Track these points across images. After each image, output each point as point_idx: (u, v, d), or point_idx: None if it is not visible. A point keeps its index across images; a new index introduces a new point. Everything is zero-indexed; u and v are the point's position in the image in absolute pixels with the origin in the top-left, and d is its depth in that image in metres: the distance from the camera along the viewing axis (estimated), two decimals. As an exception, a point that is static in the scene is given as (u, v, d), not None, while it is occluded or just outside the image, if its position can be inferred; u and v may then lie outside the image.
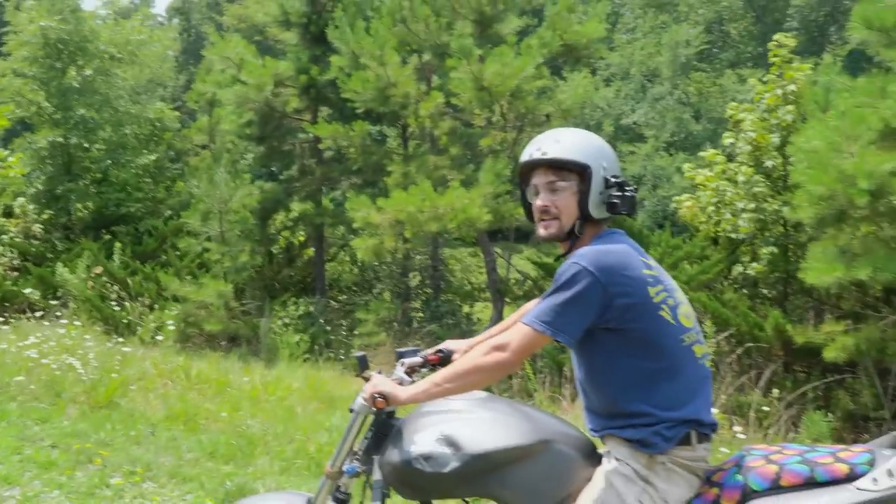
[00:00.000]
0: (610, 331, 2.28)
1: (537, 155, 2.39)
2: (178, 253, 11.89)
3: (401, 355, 2.79)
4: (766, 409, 6.40)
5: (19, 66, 14.15)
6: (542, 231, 2.43)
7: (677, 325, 2.31)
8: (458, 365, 2.35)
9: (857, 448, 2.26)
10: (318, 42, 12.22)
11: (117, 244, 11.88)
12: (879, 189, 5.99)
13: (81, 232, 13.57)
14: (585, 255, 2.26)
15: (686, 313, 2.37)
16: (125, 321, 9.99)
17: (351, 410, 2.60)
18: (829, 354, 6.38)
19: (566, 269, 2.26)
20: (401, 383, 2.63)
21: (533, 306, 2.88)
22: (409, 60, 11.09)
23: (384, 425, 2.58)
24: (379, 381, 2.45)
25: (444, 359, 2.90)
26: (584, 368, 2.42)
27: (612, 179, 2.38)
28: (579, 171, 2.37)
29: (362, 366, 2.66)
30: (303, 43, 12.38)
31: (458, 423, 2.43)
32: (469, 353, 2.42)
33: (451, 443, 2.37)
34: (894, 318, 6.62)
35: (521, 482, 2.35)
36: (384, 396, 2.38)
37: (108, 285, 10.88)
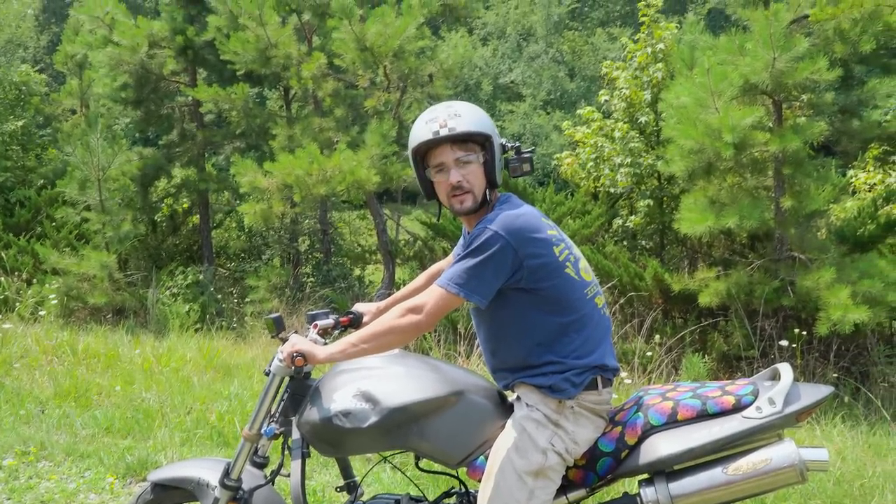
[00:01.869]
0: (521, 290, 2.39)
1: (444, 132, 2.39)
2: (54, 224, 11.32)
3: (313, 318, 2.82)
4: (648, 354, 6.79)
5: None
6: (457, 206, 2.47)
7: (580, 279, 2.46)
8: (375, 326, 2.40)
9: (742, 381, 2.51)
10: (194, 1, 11.79)
11: (-15, 216, 11.20)
12: (742, 142, 6.41)
13: (-56, 204, 12.68)
14: (497, 219, 2.35)
15: (585, 268, 2.52)
16: (1, 297, 9.49)
17: (267, 373, 2.63)
18: (704, 300, 6.81)
19: (479, 233, 2.34)
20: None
21: (443, 267, 3.01)
22: (289, 20, 10.87)
23: (300, 386, 2.64)
24: (297, 341, 2.50)
25: (356, 320, 2.98)
26: (494, 327, 2.51)
27: (508, 144, 2.49)
28: (481, 142, 2.44)
29: (279, 327, 2.68)
30: (177, 2, 11.87)
31: (374, 379, 2.51)
32: (385, 314, 2.46)
33: (368, 398, 2.45)
34: (759, 263, 7.14)
35: (437, 433, 2.45)
36: (303, 355, 2.43)
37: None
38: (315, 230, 12.36)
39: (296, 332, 2.69)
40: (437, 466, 2.69)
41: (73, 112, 14.20)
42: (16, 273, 10.20)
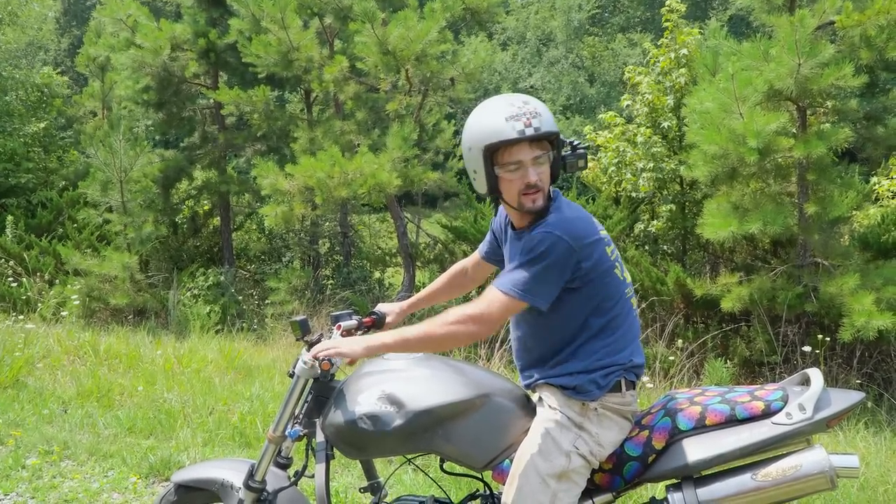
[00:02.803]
0: (572, 290, 2.37)
1: (530, 132, 2.31)
2: (76, 225, 11.43)
3: (336, 319, 2.82)
4: (671, 359, 6.76)
5: None
6: (529, 204, 2.39)
7: (623, 280, 2.47)
8: (433, 328, 2.34)
9: (771, 386, 2.48)
10: (216, 4, 11.87)
11: (9, 217, 11.30)
12: (766, 147, 6.37)
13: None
14: (557, 223, 2.32)
15: (624, 268, 2.52)
16: (23, 298, 9.58)
17: (291, 375, 2.63)
18: (726, 305, 6.77)
19: (542, 238, 2.30)
20: None
21: (467, 266, 3.00)
22: (311, 24, 10.91)
23: (325, 388, 2.63)
24: (339, 342, 2.47)
25: (379, 321, 2.97)
26: (537, 325, 2.49)
27: (565, 140, 2.45)
28: (552, 141, 2.40)
29: (304, 330, 2.67)
30: (199, 5, 11.98)
31: (400, 381, 2.50)
32: (443, 316, 2.36)
33: (394, 401, 2.44)
34: (782, 269, 7.09)
35: (463, 436, 2.44)
36: (347, 356, 2.42)
37: (3, 261, 10.38)
38: (335, 233, 12.39)
39: (321, 334, 2.69)
40: (461, 469, 2.68)
41: (95, 114, 14.31)
42: (38, 274, 10.29)
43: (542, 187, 2.38)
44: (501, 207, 2.65)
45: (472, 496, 2.74)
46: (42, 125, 13.53)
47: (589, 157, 10.51)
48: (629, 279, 2.54)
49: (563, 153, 2.46)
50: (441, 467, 2.77)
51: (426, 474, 3.13)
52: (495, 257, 2.88)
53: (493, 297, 2.32)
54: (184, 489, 2.90)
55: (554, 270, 2.30)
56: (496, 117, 2.34)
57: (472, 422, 2.45)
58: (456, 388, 2.47)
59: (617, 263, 2.45)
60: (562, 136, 2.45)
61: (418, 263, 10.01)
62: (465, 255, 9.58)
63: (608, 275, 2.41)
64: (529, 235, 2.35)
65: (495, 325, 2.34)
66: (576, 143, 2.48)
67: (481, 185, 2.45)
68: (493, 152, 2.37)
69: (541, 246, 2.30)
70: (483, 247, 2.94)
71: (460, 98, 10.63)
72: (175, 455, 4.91)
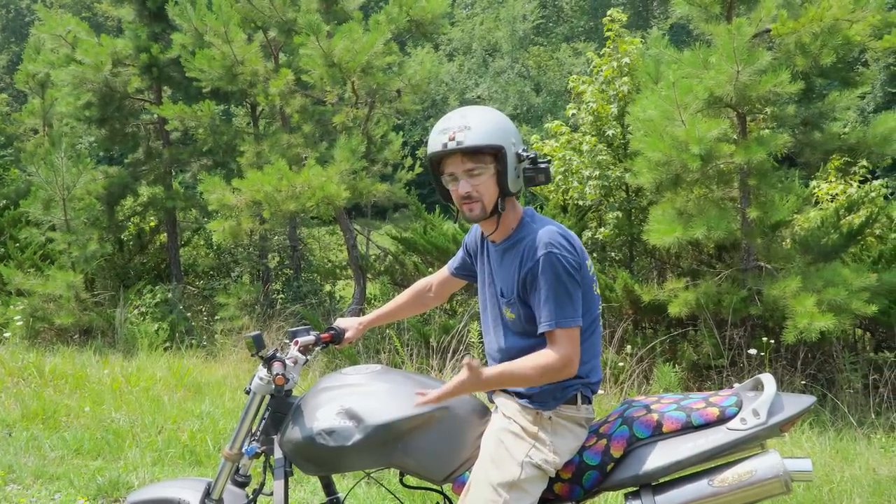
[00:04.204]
0: None
1: (452, 145, 2.38)
2: (18, 245, 11.12)
3: (294, 334, 2.81)
4: (620, 364, 6.84)
5: None
6: (466, 213, 2.46)
7: (597, 296, 2.52)
8: (529, 369, 2.33)
9: (725, 392, 2.53)
10: (158, 19, 11.66)
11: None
12: (708, 154, 6.51)
13: None
14: (551, 242, 2.35)
15: (597, 284, 2.57)
16: (-37, 320, 9.29)
17: (247, 391, 2.61)
18: (673, 310, 6.89)
19: (547, 264, 2.33)
20: (295, 362, 2.68)
21: (431, 282, 3.02)
22: (255, 37, 10.83)
23: (282, 404, 2.62)
24: (435, 393, 2.39)
25: (337, 336, 2.96)
26: (512, 336, 2.52)
27: (524, 154, 2.47)
28: (493, 153, 2.41)
29: (259, 345, 2.64)
30: (140, 20, 11.77)
31: (358, 396, 2.49)
32: (532, 358, 2.36)
33: (352, 416, 2.43)
34: (727, 273, 7.24)
35: (422, 449, 2.44)
36: (461, 389, 2.35)
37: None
38: (284, 246, 12.27)
39: (276, 349, 2.67)
40: (420, 482, 2.67)
41: (36, 132, 13.97)
42: (-22, 296, 9.98)
43: (479, 198, 2.42)
44: (475, 224, 2.68)
45: None
46: (-20, 143, 13.16)
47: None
48: (599, 295, 2.58)
49: (525, 167, 2.48)
50: (401, 481, 2.76)
51: (386, 489, 3.11)
52: (465, 273, 2.91)
53: (562, 336, 2.33)
54: None
55: (573, 283, 2.35)
56: (434, 131, 2.46)
57: (431, 435, 2.45)
58: (413, 403, 2.45)
59: (595, 278, 2.51)
60: (522, 150, 2.48)
61: (369, 275, 9.98)
62: (416, 266, 9.58)
63: (589, 288, 2.45)
64: (536, 266, 2.35)
65: (578, 357, 2.35)
66: (536, 156, 2.49)
67: (439, 194, 2.57)
68: (436, 165, 2.49)
69: (550, 270, 2.33)
70: (453, 262, 2.96)
71: (407, 109, 10.66)
72: (124, 476, 4.84)
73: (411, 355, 7.38)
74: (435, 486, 2.64)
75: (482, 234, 2.66)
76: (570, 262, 2.34)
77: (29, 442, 5.49)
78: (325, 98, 10.15)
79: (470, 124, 2.39)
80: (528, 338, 2.47)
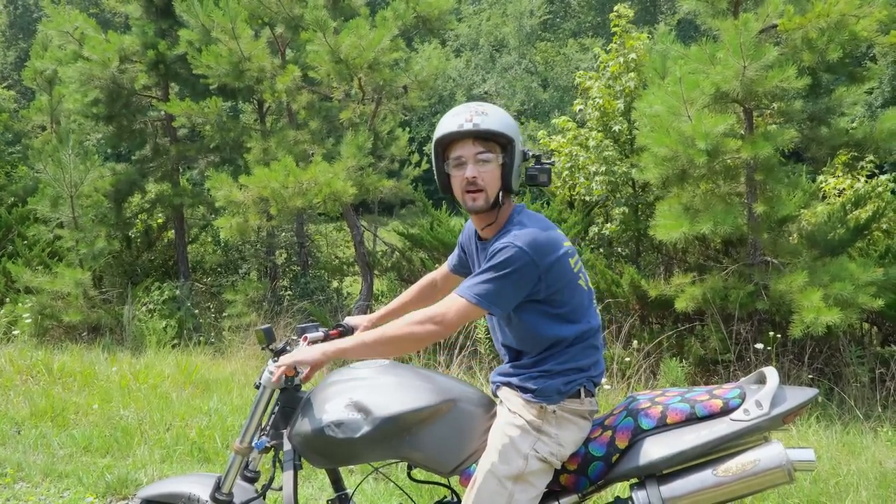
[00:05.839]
0: (538, 301, 2.43)
1: (468, 126, 2.43)
2: (26, 242, 11.16)
3: (302, 331, 2.82)
4: (627, 360, 6.85)
5: None
6: (469, 202, 2.49)
7: (588, 290, 2.54)
8: (391, 329, 2.42)
9: (729, 385, 2.56)
10: (165, 15, 11.69)
11: (-45, 236, 10.98)
12: (715, 149, 6.51)
13: None
14: (519, 235, 2.37)
15: (587, 278, 2.58)
16: (-29, 318, 9.33)
17: (257, 386, 2.63)
18: (680, 305, 6.89)
19: (501, 248, 2.36)
20: None
21: (436, 278, 3.05)
22: (262, 34, 10.84)
23: (291, 398, 2.64)
24: (296, 352, 2.52)
25: (346, 333, 2.98)
26: (505, 331, 2.57)
27: (529, 153, 2.52)
28: (503, 144, 2.47)
29: (269, 338, 2.67)
30: (147, 16, 11.78)
31: (366, 389, 2.52)
32: (400, 320, 2.46)
33: (360, 408, 2.46)
34: (733, 268, 7.24)
35: (430, 442, 2.47)
36: (310, 363, 2.44)
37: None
38: (292, 243, 12.30)
39: (286, 343, 2.69)
40: (428, 476, 2.69)
41: (44, 129, 14.01)
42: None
43: (484, 187, 2.46)
44: (469, 222, 2.74)
45: (440, 503, 2.76)
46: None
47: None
48: (592, 287, 2.60)
49: (528, 166, 2.52)
50: (409, 475, 2.79)
51: (394, 483, 3.13)
52: (463, 270, 2.95)
53: (453, 302, 2.39)
54: None
55: (513, 281, 2.36)
56: (446, 116, 2.51)
57: (438, 428, 2.48)
58: (422, 395, 2.50)
59: (581, 274, 2.51)
60: (526, 149, 2.53)
61: (376, 272, 10.00)
62: (423, 262, 9.60)
63: (572, 287, 2.46)
64: (493, 245, 2.41)
65: (452, 327, 2.40)
66: (541, 156, 2.54)
67: (437, 182, 2.57)
68: (444, 149, 2.51)
69: (502, 256, 2.35)
70: (451, 260, 3.00)
71: (414, 106, 10.66)
72: (132, 473, 4.87)
73: (418, 352, 7.41)
74: (442, 480, 2.66)
75: (475, 232, 2.69)
76: (522, 262, 2.34)
77: (38, 440, 5.53)
78: (331, 94, 10.17)
79: (486, 111, 2.47)
80: (505, 327, 2.55)
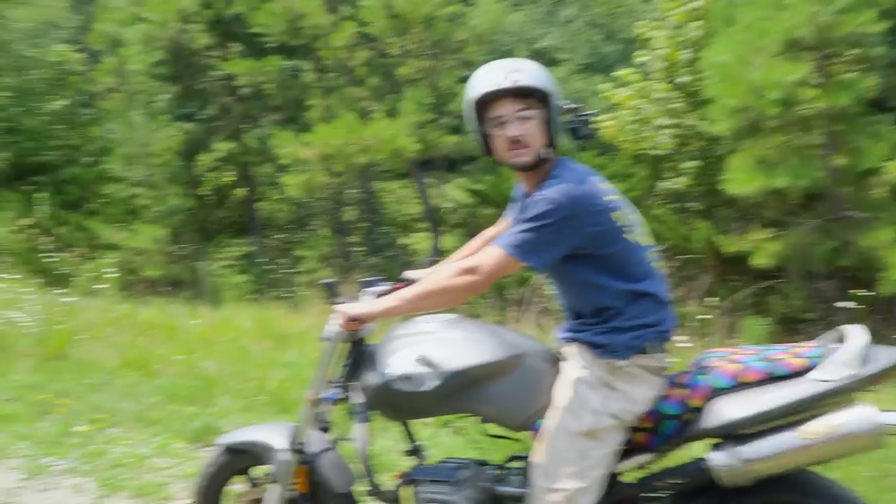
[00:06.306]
0: (585, 257, 2.39)
1: (507, 84, 2.37)
2: (105, 200, 11.55)
3: (368, 284, 2.85)
4: (705, 316, 6.65)
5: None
6: (514, 160, 2.44)
7: (641, 244, 2.48)
8: (427, 284, 2.42)
9: (809, 344, 2.44)
10: (222, -26, 11.79)
11: (41, 195, 11.40)
12: (787, 99, 6.30)
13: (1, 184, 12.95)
14: (556, 188, 2.33)
15: (644, 232, 2.53)
16: (61, 272, 9.72)
17: (323, 339, 2.67)
18: (757, 261, 6.69)
19: (539, 201, 2.33)
20: None
21: (494, 234, 3.01)
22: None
23: (359, 350, 2.68)
24: (346, 306, 2.53)
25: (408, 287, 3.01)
26: (564, 286, 2.55)
27: (567, 106, 2.47)
28: (542, 99, 2.41)
29: (332, 292, 2.69)
30: (204, -25, 11.89)
31: (433, 343, 2.54)
32: (437, 273, 2.47)
33: (428, 362, 2.48)
34: (814, 224, 6.98)
35: (499, 397, 2.48)
36: (356, 318, 2.48)
37: (38, 237, 10.52)
38: (359, 200, 12.43)
39: (349, 298, 2.72)
40: (501, 430, 2.72)
41: (113, 90, 14.33)
42: (72, 249, 10.39)
43: (528, 143, 2.41)
44: (516, 187, 2.70)
45: (514, 458, 2.74)
46: (64, 103, 13.56)
47: (608, 115, 10.39)
48: (650, 242, 2.53)
49: (569, 119, 2.47)
50: (482, 430, 2.77)
51: (466, 436, 3.16)
52: None
53: (490, 252, 2.36)
54: (230, 452, 2.97)
55: (550, 233, 2.32)
56: (479, 74, 2.45)
57: (507, 383, 2.48)
58: (489, 350, 2.50)
59: (627, 228, 2.44)
60: (566, 103, 2.47)
61: (443, 228, 10.05)
62: (492, 219, 9.59)
63: (618, 240, 2.40)
64: (532, 198, 2.38)
65: (489, 278, 2.35)
66: (580, 108, 2.48)
67: (477, 144, 2.52)
68: (481, 110, 2.45)
69: (536, 208, 2.32)
70: (509, 213, 2.97)
71: (473, 60, 10.57)
72: (215, 421, 4.97)
73: (488, 308, 7.42)
74: (515, 435, 2.68)
75: (522, 193, 2.64)
76: (560, 215, 2.30)
77: (127, 388, 5.72)
78: (388, 50, 10.13)
79: (521, 67, 2.42)
80: (564, 280, 2.51)
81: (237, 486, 3.05)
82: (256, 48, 11.47)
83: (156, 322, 7.59)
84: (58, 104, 13.51)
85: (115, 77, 13.98)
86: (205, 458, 3.20)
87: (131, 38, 11.50)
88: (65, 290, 8.77)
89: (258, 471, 2.96)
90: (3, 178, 12.87)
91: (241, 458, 2.97)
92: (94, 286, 9.38)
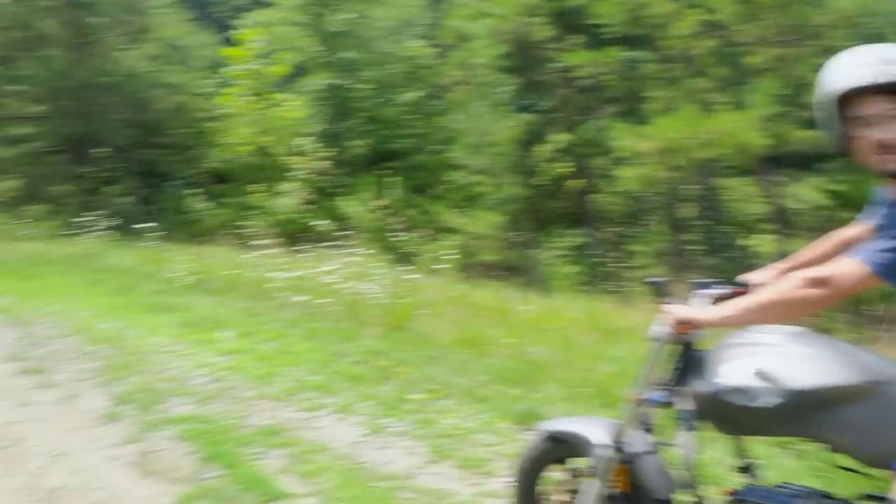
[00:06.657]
0: None
1: (883, 79, 2.06)
2: (447, 186, 12.45)
3: (698, 286, 2.69)
4: None
5: (288, 15, 15.38)
6: (880, 165, 2.14)
7: None
8: (771, 294, 2.20)
9: None
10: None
11: (393, 179, 12.63)
12: None
13: (360, 168, 14.62)
14: None
15: None
16: (407, 251, 10.64)
17: (650, 338, 2.57)
18: None
19: None
20: None
21: (846, 237, 2.66)
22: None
23: (691, 355, 2.54)
24: (677, 308, 2.40)
25: (748, 292, 2.80)
26: None
27: None
28: None
29: (660, 291, 2.58)
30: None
31: (775, 356, 2.32)
32: (786, 281, 2.22)
33: (767, 377, 2.28)
34: None
35: (847, 425, 2.21)
36: (687, 321, 2.35)
37: (389, 217, 11.66)
38: (698, 196, 11.97)
39: (677, 300, 2.58)
40: (854, 464, 2.43)
41: (461, 83, 15.29)
42: (418, 230, 11.33)
43: None
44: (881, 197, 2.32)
45: (868, 496, 2.42)
46: (417, 94, 14.83)
47: None
48: None
49: None
50: (831, 461, 2.45)
51: (807, 461, 2.87)
52: None
53: (847, 265, 2.07)
54: (551, 439, 3.00)
55: None
56: (843, 64, 2.12)
57: (863, 411, 2.20)
58: (841, 371, 2.23)
59: None
60: None
61: (792, 231, 9.28)
62: (850, 223, 8.64)
63: None
64: None
65: (842, 293, 2.08)
66: None
67: (832, 143, 2.22)
68: (842, 105, 2.13)
69: None
70: (866, 218, 2.61)
71: (835, 47, 9.56)
72: (539, 406, 5.07)
73: (840, 324, 6.71)
74: (870, 470, 2.38)
75: (889, 201, 2.24)
76: None
77: (459, 364, 6.08)
78: (736, 38, 9.56)
79: (894, 58, 2.07)
80: None
81: (555, 473, 3.07)
82: (597, 39, 11.51)
83: (489, 304, 7.97)
84: (410, 96, 14.80)
85: (461, 70, 14.97)
86: (526, 441, 3.29)
87: (478, 33, 12.17)
88: (410, 268, 9.51)
89: (578, 462, 2.96)
90: (363, 163, 14.51)
91: (561, 447, 2.99)
92: (435, 266, 10.10)
